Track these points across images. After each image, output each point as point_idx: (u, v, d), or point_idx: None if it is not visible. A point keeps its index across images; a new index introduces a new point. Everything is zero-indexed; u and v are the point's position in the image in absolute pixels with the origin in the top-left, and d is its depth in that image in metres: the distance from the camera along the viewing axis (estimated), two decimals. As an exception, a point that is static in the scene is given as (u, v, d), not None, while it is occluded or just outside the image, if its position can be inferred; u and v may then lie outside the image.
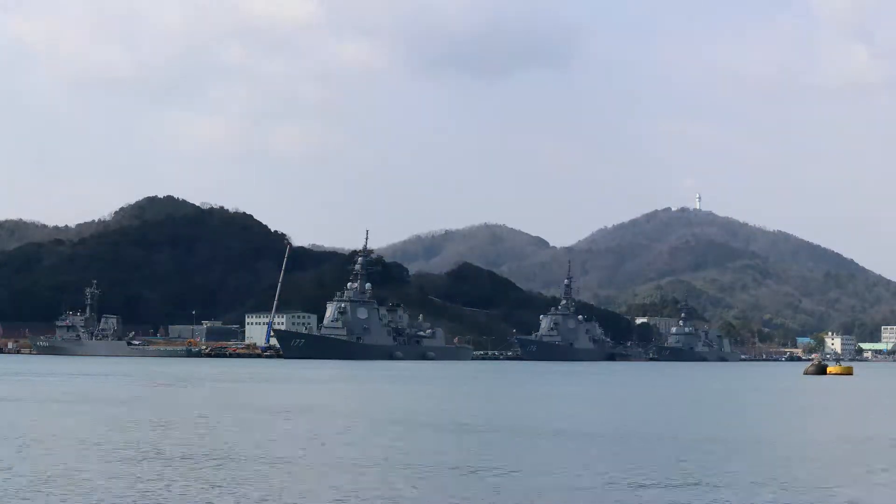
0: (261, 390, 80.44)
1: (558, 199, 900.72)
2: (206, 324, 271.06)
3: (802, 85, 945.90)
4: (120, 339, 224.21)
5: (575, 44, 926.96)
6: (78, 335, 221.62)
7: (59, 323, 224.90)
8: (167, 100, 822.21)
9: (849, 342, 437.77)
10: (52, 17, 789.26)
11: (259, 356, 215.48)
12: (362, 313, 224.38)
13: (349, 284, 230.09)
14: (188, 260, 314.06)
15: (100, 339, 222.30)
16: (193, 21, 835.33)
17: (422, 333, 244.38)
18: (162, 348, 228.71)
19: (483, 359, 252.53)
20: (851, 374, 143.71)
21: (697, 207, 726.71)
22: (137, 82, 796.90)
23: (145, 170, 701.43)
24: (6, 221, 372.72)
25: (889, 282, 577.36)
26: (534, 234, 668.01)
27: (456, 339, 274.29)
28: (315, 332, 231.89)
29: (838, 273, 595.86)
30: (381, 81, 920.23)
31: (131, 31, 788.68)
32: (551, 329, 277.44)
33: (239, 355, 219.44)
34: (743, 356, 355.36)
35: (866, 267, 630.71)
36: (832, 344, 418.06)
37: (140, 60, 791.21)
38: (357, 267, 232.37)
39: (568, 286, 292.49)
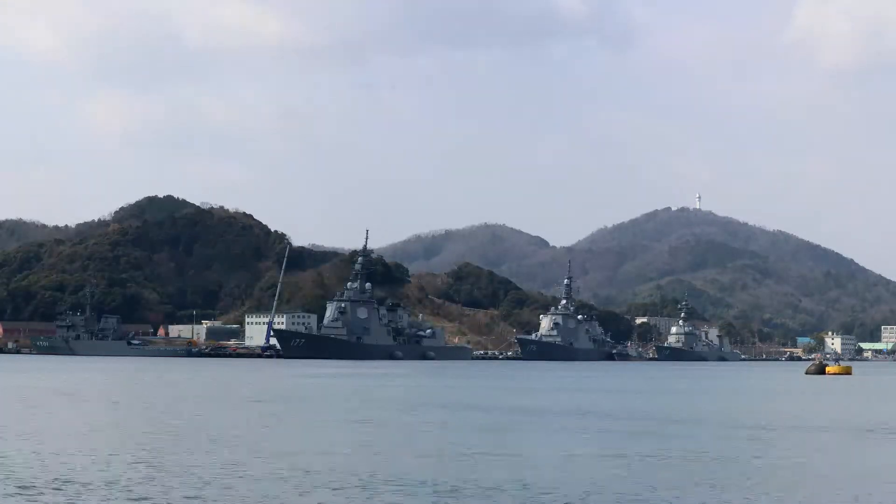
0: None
1: (558, 199, 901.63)
2: (206, 324, 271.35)
3: (801, 79, 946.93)
4: (120, 339, 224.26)
5: (573, 43, 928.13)
6: (78, 335, 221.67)
7: (59, 323, 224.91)
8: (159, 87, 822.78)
9: (849, 342, 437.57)
10: None
11: (259, 356, 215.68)
12: (362, 313, 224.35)
13: (349, 284, 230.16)
14: (188, 260, 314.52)
15: (100, 339, 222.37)
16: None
17: (422, 333, 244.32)
18: (162, 348, 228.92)
19: (483, 359, 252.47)
20: (850, 373, 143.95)
21: (697, 207, 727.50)
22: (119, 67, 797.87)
23: (145, 169, 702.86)
24: (6, 221, 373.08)
25: (889, 282, 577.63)
26: (534, 234, 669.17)
27: (456, 339, 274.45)
28: (315, 332, 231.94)
29: (838, 273, 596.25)
30: (380, 80, 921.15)
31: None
32: (551, 329, 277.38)
33: (239, 355, 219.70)
34: (743, 356, 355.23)
35: (866, 267, 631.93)
36: (832, 344, 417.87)
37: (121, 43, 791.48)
38: (357, 267, 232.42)
39: (568, 286, 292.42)
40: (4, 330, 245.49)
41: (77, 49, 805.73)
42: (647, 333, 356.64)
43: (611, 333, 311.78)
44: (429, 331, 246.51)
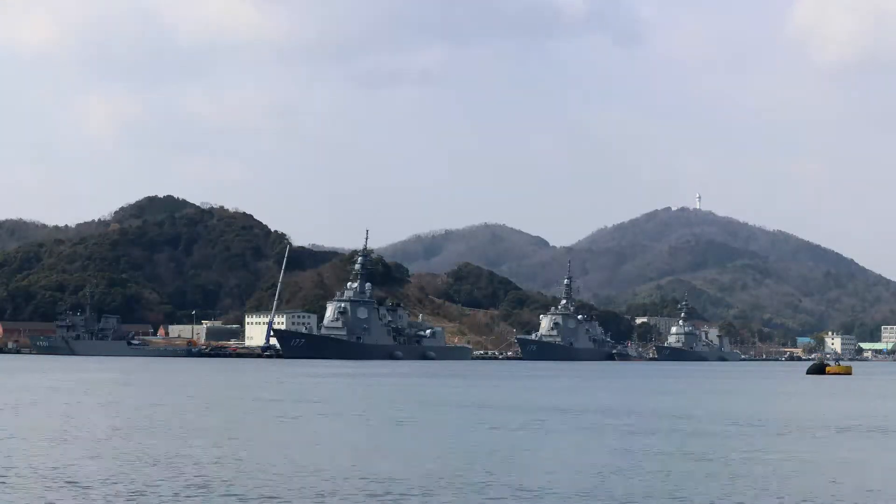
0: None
1: (558, 199, 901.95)
2: (206, 324, 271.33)
3: (800, 78, 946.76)
4: (120, 339, 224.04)
5: (573, 42, 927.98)
6: (78, 335, 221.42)
7: (59, 323, 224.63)
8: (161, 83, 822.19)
9: (849, 342, 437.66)
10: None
11: (259, 356, 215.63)
12: (362, 313, 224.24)
13: (349, 284, 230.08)
14: (188, 260, 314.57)
15: (100, 339, 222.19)
16: None
17: (422, 333, 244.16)
18: (162, 348, 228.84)
19: (483, 359, 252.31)
20: (850, 373, 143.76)
21: (697, 207, 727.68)
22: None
23: (145, 169, 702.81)
24: (6, 221, 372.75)
25: (889, 282, 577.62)
26: (534, 234, 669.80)
27: (456, 339, 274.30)
28: (315, 332, 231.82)
29: (838, 273, 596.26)
30: (381, 79, 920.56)
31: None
32: (551, 329, 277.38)
33: (239, 355, 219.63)
34: (743, 356, 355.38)
35: (866, 267, 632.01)
36: (832, 344, 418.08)
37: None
38: (357, 267, 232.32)
39: (568, 286, 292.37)
40: (4, 330, 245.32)
41: (73, 49, 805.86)
42: (647, 333, 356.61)
43: (611, 333, 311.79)
44: (429, 331, 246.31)
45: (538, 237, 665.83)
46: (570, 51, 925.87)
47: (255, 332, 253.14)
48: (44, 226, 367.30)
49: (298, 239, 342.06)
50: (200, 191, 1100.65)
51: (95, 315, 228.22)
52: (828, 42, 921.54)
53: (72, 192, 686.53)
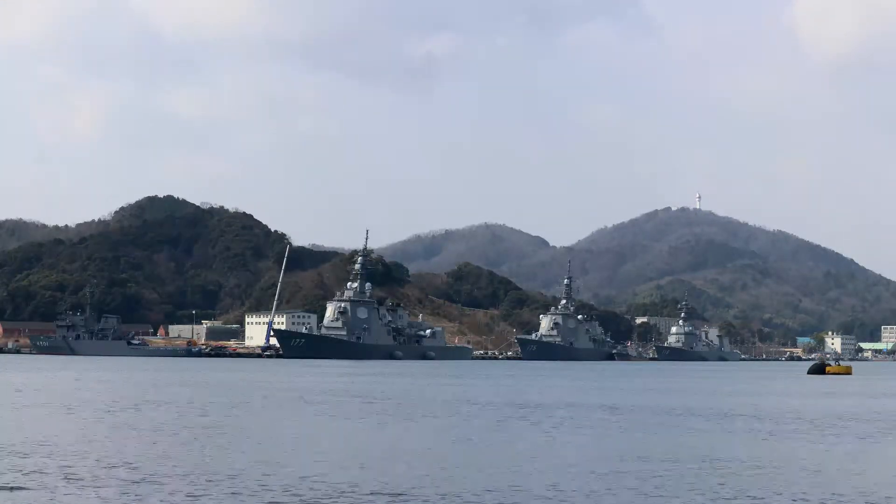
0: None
1: (558, 199, 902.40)
2: (206, 324, 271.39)
3: (800, 78, 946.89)
4: (120, 338, 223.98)
5: (572, 41, 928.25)
6: (78, 335, 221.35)
7: (59, 323, 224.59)
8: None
9: (849, 342, 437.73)
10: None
11: (259, 356, 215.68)
12: (362, 313, 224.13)
13: (349, 284, 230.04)
14: (188, 260, 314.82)
15: (100, 339, 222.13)
16: None
17: (422, 333, 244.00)
18: (162, 348, 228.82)
19: (483, 358, 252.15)
20: (850, 373, 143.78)
21: (697, 207, 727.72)
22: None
23: (145, 169, 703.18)
24: (6, 221, 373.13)
25: (889, 282, 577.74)
26: (534, 234, 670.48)
27: (456, 339, 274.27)
28: (315, 332, 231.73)
29: (838, 273, 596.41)
30: (381, 78, 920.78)
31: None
32: (551, 329, 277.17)
33: (239, 355, 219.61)
34: (743, 356, 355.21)
35: (866, 267, 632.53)
36: (832, 344, 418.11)
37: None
38: (357, 267, 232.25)
39: (568, 286, 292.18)
40: (4, 330, 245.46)
41: (69, 48, 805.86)
42: (647, 333, 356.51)
43: (611, 333, 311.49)
44: (429, 331, 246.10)
45: (538, 237, 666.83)
46: (569, 50, 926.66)
47: (255, 332, 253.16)
48: (44, 226, 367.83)
49: (298, 239, 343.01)
50: (200, 191, 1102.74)
51: (95, 315, 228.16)
52: (828, 41, 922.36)
53: (72, 192, 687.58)
